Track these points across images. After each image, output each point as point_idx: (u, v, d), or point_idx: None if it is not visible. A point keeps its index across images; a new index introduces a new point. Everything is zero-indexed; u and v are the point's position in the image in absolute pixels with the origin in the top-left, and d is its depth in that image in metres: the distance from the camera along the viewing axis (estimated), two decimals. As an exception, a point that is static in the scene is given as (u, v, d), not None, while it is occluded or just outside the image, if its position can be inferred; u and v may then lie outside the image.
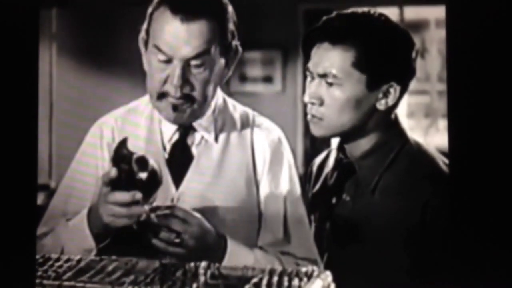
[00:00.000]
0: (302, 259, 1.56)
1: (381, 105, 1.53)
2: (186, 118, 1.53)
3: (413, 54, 1.55)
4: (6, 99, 1.63)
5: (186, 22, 1.45)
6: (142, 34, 1.55)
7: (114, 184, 1.41)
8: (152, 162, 1.43)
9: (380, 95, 1.53)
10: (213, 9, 1.49)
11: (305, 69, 1.57)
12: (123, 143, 1.43)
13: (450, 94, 1.56)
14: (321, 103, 1.54)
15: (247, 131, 1.60)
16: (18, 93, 1.63)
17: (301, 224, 1.59)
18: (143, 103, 1.62)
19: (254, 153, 1.59)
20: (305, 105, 1.59)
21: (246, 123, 1.61)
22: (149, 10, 1.53)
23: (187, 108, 1.51)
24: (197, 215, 1.47)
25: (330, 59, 1.52)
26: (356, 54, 1.50)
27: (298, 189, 1.60)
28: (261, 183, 1.58)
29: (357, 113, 1.53)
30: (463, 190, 1.55)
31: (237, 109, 1.63)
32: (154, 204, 1.47)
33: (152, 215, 1.45)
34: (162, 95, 1.50)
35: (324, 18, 1.55)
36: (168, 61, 1.48)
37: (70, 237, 1.50)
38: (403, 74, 1.54)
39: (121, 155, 1.41)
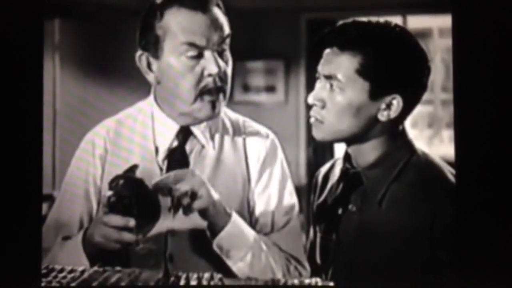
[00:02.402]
0: (289, 256, 1.55)
1: (383, 116, 1.52)
2: (219, 111, 1.55)
3: (425, 70, 1.54)
4: (10, 109, 1.63)
5: (208, 13, 1.50)
6: (139, 52, 1.54)
7: (112, 207, 1.41)
8: (155, 195, 1.43)
9: (383, 106, 1.52)
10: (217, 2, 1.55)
11: (316, 71, 1.58)
12: (131, 170, 1.43)
13: (456, 104, 1.56)
14: (323, 105, 1.53)
15: (240, 138, 1.61)
16: (23, 104, 1.63)
17: (288, 222, 1.59)
18: (135, 111, 1.62)
19: (248, 159, 1.60)
20: (309, 108, 1.58)
21: (238, 130, 1.62)
22: (149, 19, 1.52)
23: (221, 101, 1.54)
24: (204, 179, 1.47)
25: (337, 62, 1.52)
26: (362, 61, 1.49)
27: (289, 190, 1.60)
28: (252, 184, 1.59)
29: (356, 120, 1.52)
30: (470, 200, 1.54)
31: (228, 116, 1.64)
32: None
33: (140, 246, 1.43)
34: (200, 94, 1.51)
35: (340, 23, 1.55)
36: (198, 55, 1.50)
37: (65, 256, 1.50)
38: (410, 88, 1.52)
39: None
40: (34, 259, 1.53)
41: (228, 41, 1.54)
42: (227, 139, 1.60)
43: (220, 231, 1.48)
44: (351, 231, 1.55)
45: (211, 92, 1.52)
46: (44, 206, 1.70)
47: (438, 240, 1.48)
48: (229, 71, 1.55)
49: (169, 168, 1.55)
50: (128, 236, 1.40)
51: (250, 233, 1.52)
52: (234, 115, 1.65)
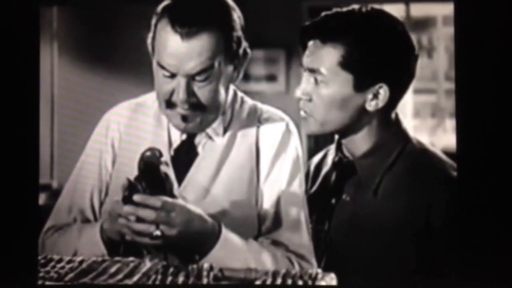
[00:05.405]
0: (295, 255, 1.52)
1: (370, 106, 1.51)
2: (197, 126, 1.51)
3: (411, 57, 1.52)
4: (6, 98, 1.62)
5: (187, 39, 1.41)
6: (149, 40, 1.52)
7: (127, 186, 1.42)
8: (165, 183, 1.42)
9: (370, 96, 1.50)
10: (217, 21, 1.44)
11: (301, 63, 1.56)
12: (158, 156, 1.42)
13: (458, 93, 1.54)
14: (310, 99, 1.52)
15: (254, 125, 1.57)
16: (19, 93, 1.62)
17: (296, 215, 1.55)
18: (151, 99, 1.60)
19: (259, 148, 1.57)
20: (298, 101, 1.57)
21: (253, 118, 1.58)
22: (153, 20, 1.49)
23: (197, 117, 1.48)
24: (179, 202, 1.42)
25: (319, 56, 1.50)
26: (344, 54, 1.48)
27: (299, 181, 1.56)
28: (261, 174, 1.55)
29: (344, 112, 1.51)
30: (471, 191, 1.53)
31: (245, 102, 1.61)
32: None
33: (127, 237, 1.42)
34: (170, 105, 1.48)
35: (323, 14, 1.53)
36: (172, 76, 1.45)
37: (82, 241, 1.50)
38: (396, 77, 1.51)
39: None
40: (32, 249, 1.53)
41: (211, 71, 1.44)
42: (241, 127, 1.57)
43: (208, 252, 1.45)
44: (345, 221, 1.54)
45: (181, 106, 1.46)
46: (43, 196, 1.70)
47: (434, 230, 1.47)
48: (220, 97, 1.48)
49: (177, 159, 1.54)
50: (119, 221, 1.40)
51: (242, 247, 1.47)
52: (252, 102, 1.61)
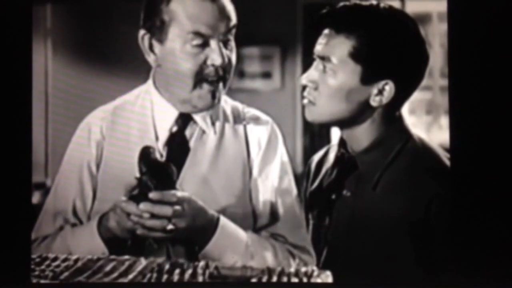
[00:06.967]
0: (295, 247, 1.53)
1: (374, 101, 1.52)
2: (219, 100, 1.55)
3: (422, 58, 1.52)
4: (-1, 96, 1.62)
5: (216, 1, 1.49)
6: (142, 32, 1.53)
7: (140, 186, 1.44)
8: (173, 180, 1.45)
9: (375, 91, 1.51)
10: None
11: (312, 54, 1.57)
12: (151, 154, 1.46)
13: (451, 90, 1.55)
14: (316, 87, 1.54)
15: (240, 125, 1.60)
16: (12, 92, 1.62)
17: (291, 209, 1.57)
18: (132, 96, 1.61)
19: (249, 144, 1.59)
20: (303, 89, 1.58)
21: (238, 116, 1.61)
22: (156, 1, 1.51)
23: (221, 91, 1.53)
24: (186, 194, 1.45)
25: (331, 44, 1.51)
26: (355, 45, 1.49)
27: (290, 178, 1.59)
28: (253, 171, 1.57)
29: (347, 104, 1.52)
30: (464, 187, 1.54)
31: (228, 103, 1.64)
32: None
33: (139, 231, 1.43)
34: (199, 82, 1.51)
35: (341, 4, 1.54)
36: (204, 44, 1.49)
37: (78, 243, 1.50)
38: (404, 75, 1.51)
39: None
40: (25, 247, 1.52)
41: (233, 30, 1.53)
42: (228, 126, 1.59)
43: (207, 242, 1.46)
44: (345, 216, 1.55)
45: (211, 82, 1.51)
46: (37, 194, 1.69)
47: (433, 226, 1.48)
48: (233, 60, 1.54)
49: (169, 154, 1.54)
50: (129, 223, 1.41)
51: (241, 237, 1.49)
52: (234, 103, 1.64)
